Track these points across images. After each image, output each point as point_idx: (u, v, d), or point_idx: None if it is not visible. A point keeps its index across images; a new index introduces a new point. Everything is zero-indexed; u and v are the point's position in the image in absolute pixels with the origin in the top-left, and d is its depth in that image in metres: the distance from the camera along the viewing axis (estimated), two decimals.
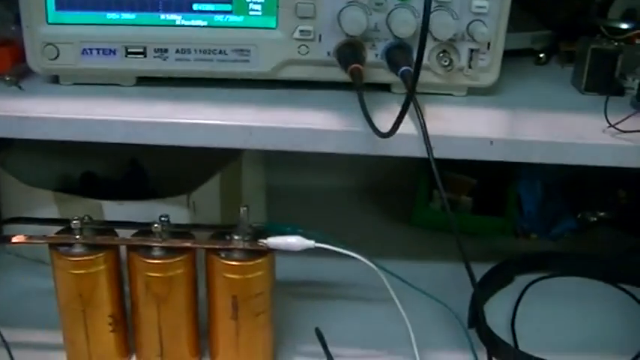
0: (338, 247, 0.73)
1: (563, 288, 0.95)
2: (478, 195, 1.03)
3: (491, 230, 1.02)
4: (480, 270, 0.89)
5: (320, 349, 0.80)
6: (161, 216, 0.74)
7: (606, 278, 0.96)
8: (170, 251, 0.74)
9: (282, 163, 1.05)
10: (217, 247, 0.74)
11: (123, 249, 0.76)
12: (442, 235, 1.00)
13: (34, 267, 0.95)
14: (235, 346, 0.77)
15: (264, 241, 0.73)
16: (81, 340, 0.78)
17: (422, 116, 0.64)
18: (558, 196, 1.08)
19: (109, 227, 0.77)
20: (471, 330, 0.84)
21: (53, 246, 0.75)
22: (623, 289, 0.95)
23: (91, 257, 0.74)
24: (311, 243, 0.73)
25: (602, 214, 1.05)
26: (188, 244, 0.74)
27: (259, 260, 0.74)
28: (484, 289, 0.89)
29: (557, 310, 0.90)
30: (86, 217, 0.75)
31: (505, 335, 0.84)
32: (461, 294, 0.85)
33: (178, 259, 0.74)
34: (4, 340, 0.74)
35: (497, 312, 0.87)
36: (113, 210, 0.83)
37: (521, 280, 0.96)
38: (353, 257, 0.73)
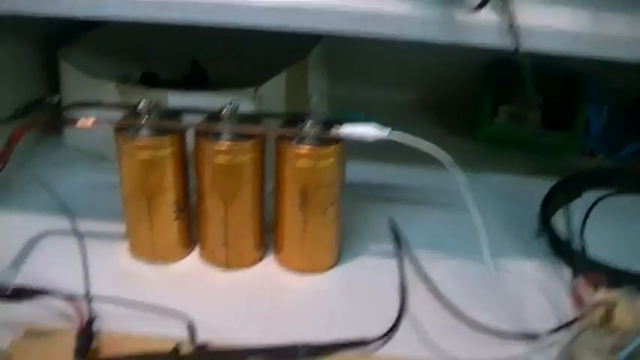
0: (413, 139, 0.70)
1: (632, 205, 0.92)
2: (545, 112, 0.99)
3: (558, 147, 1.00)
4: (547, 186, 0.87)
5: (387, 248, 0.78)
6: (231, 102, 0.72)
7: None
8: (239, 137, 0.72)
9: (344, 75, 1.03)
10: (288, 133, 0.72)
11: (190, 139, 0.74)
12: (508, 150, 0.99)
13: (96, 163, 0.94)
14: (301, 239, 0.76)
15: (337, 129, 0.71)
16: (145, 228, 0.76)
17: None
18: (624, 119, 1.05)
19: (175, 113, 0.75)
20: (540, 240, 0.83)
21: (119, 130, 0.73)
22: None
23: (157, 141, 0.72)
24: (385, 132, 0.70)
25: None
26: (258, 130, 0.72)
27: (331, 149, 0.72)
28: (551, 203, 0.87)
29: (626, 226, 0.87)
30: (153, 103, 0.73)
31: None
32: (529, 208, 0.84)
33: (247, 145, 0.72)
34: (76, 230, 0.73)
35: (563, 226, 0.84)
36: (178, 101, 0.81)
37: (589, 197, 0.93)
38: (426, 155, 0.70)
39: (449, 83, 1.08)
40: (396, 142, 0.71)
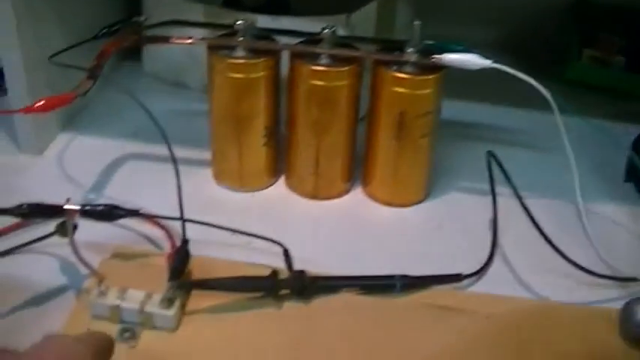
0: (515, 71, 0.68)
1: None
2: (630, 55, 0.97)
3: None
4: (634, 130, 0.84)
5: (479, 185, 0.76)
6: (329, 25, 0.70)
7: None
8: (336, 60, 0.70)
9: (431, 11, 1.00)
10: (389, 58, 0.70)
11: (284, 64, 0.72)
12: (594, 94, 0.96)
13: (175, 90, 0.93)
14: (393, 170, 0.74)
15: (439, 56, 0.68)
16: (233, 153, 0.75)
17: None
18: None
19: (269, 35, 0.73)
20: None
21: (213, 48, 0.71)
22: None
23: (252, 61, 0.70)
24: (488, 62, 0.68)
25: None
26: (358, 54, 0.70)
27: (431, 76, 0.69)
28: (639, 148, 0.84)
29: None
30: (249, 22, 0.71)
31: None
32: (617, 152, 0.82)
33: (344, 69, 0.70)
34: (173, 156, 0.71)
35: None
36: (268, 25, 0.78)
37: None
38: (519, 94, 0.68)
39: (533, 25, 1.06)
40: (489, 81, 0.70)
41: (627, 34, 0.99)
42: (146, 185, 0.75)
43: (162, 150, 0.73)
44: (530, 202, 0.71)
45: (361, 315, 0.61)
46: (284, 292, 0.62)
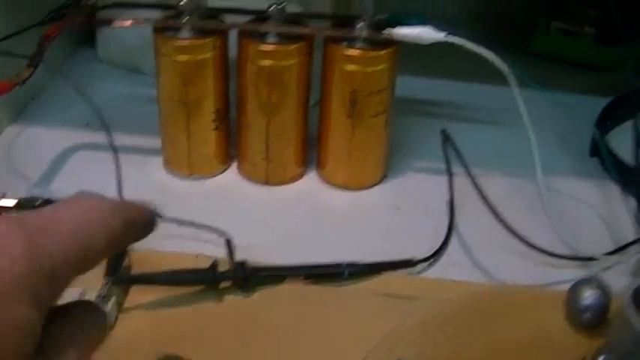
0: (470, 43, 0.65)
1: None
2: (601, 27, 0.94)
3: (614, 63, 0.94)
4: (601, 104, 0.82)
5: (436, 165, 0.74)
6: (278, 2, 0.67)
7: None
8: (285, 38, 0.67)
9: None
10: (338, 34, 0.67)
11: (233, 43, 0.69)
12: (561, 65, 0.94)
13: (130, 76, 0.91)
14: (348, 151, 0.71)
15: (390, 30, 0.66)
16: (182, 138, 0.72)
17: None
18: None
19: (217, 14, 0.70)
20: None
21: (159, 30, 0.68)
22: None
23: (199, 42, 0.68)
24: (441, 35, 0.65)
25: None
26: (307, 31, 0.67)
27: (383, 52, 0.67)
28: (605, 122, 0.82)
29: None
30: (195, 1, 0.68)
31: None
32: (584, 125, 0.80)
33: (294, 46, 0.67)
34: (112, 145, 0.69)
35: (619, 145, 0.79)
36: (218, 4, 0.75)
37: None
38: (479, 69, 0.65)
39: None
40: (448, 56, 0.67)
41: (598, 5, 0.97)
42: (94, 177, 0.72)
43: (112, 138, 0.70)
44: (489, 180, 0.69)
45: (306, 305, 0.59)
46: (225, 284, 0.60)
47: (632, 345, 0.46)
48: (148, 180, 0.74)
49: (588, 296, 0.52)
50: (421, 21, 0.66)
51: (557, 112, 0.78)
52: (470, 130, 0.80)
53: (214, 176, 0.75)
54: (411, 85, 0.77)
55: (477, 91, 0.88)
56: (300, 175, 0.75)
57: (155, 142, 0.75)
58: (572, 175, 0.77)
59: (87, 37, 0.93)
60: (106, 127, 0.69)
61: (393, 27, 0.66)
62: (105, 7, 0.74)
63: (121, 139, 0.72)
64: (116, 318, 0.57)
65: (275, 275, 0.61)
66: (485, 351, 0.54)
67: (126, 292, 0.59)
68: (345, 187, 0.73)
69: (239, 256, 0.62)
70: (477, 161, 0.72)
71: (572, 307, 0.54)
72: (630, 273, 0.55)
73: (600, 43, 0.94)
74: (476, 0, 1.06)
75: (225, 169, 0.76)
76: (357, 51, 0.66)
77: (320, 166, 0.74)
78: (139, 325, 0.57)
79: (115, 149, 0.68)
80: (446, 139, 0.70)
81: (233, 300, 0.60)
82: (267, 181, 0.73)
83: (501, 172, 0.74)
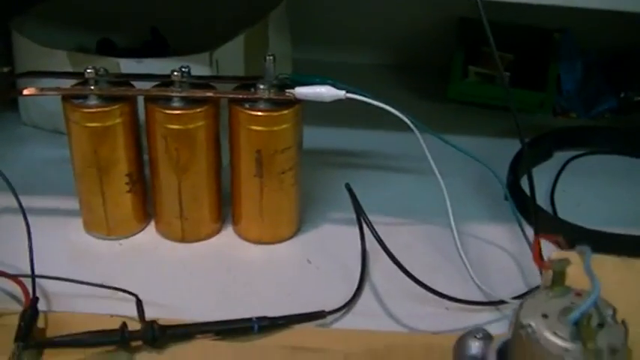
0: (370, 98, 0.67)
1: (603, 165, 0.90)
2: (516, 71, 0.97)
3: (529, 105, 0.96)
4: (517, 146, 0.83)
5: (350, 215, 0.75)
6: (182, 66, 0.69)
7: None
8: (191, 102, 0.69)
9: (309, 37, 1.00)
10: (241, 96, 0.69)
11: (142, 108, 0.71)
12: (478, 110, 0.96)
13: (53, 138, 0.91)
14: (259, 208, 0.73)
15: (292, 90, 0.68)
16: (97, 202, 0.73)
17: None
18: (600, 76, 1.02)
19: (125, 80, 0.72)
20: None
21: (67, 98, 0.70)
22: None
23: (106, 109, 0.69)
24: (341, 93, 0.68)
25: None
26: (210, 94, 0.69)
27: (286, 111, 0.69)
28: (521, 164, 0.84)
29: (596, 187, 0.85)
30: (102, 69, 0.70)
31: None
32: (498, 169, 0.80)
33: (199, 110, 0.69)
34: (20, 206, 0.70)
35: (535, 186, 0.81)
36: (131, 69, 0.78)
37: (560, 157, 0.90)
38: (387, 112, 0.68)
39: (418, 46, 1.05)
40: (357, 107, 0.68)
41: (515, 49, 0.99)
42: (8, 240, 0.73)
43: (32, 202, 0.72)
44: (405, 229, 0.72)
45: None
46: (136, 343, 0.61)
47: None
48: (67, 242, 0.75)
49: (474, 347, 0.54)
50: (322, 81, 0.68)
51: (474, 156, 0.79)
52: (382, 178, 0.81)
53: (133, 235, 0.76)
54: (320, 137, 0.80)
55: (388, 141, 0.89)
56: (217, 232, 0.76)
57: (75, 203, 0.76)
58: (487, 219, 0.79)
59: (9, 102, 0.94)
60: (23, 191, 0.70)
61: (295, 87, 0.68)
62: (20, 75, 0.75)
63: (44, 202, 0.75)
64: None
65: (184, 333, 0.63)
66: None
67: (39, 357, 0.60)
68: (260, 242, 0.75)
69: (153, 314, 0.64)
70: (389, 210, 0.74)
71: (459, 357, 0.55)
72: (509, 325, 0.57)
73: (515, 86, 0.96)
74: (396, 50, 1.08)
75: (144, 228, 0.77)
76: (261, 112, 0.68)
77: (234, 222, 0.76)
78: None
79: (23, 211, 0.69)
80: (350, 192, 0.72)
81: (146, 357, 0.61)
82: (183, 239, 0.75)
83: (414, 220, 0.77)
